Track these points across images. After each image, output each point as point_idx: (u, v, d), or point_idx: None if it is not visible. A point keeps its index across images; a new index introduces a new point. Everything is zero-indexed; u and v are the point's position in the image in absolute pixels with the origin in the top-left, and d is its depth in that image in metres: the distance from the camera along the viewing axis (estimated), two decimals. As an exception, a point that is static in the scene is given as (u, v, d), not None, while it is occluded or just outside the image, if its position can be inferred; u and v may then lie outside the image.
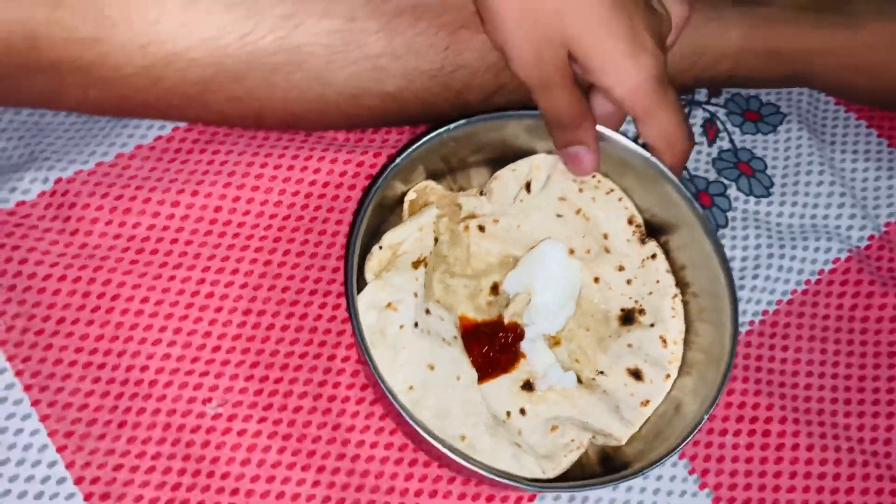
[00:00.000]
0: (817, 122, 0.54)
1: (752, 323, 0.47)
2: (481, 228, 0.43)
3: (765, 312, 0.47)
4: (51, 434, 0.39)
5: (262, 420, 0.41)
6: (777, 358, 0.46)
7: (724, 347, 0.39)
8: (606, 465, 0.41)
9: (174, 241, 0.44)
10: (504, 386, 0.41)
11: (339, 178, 0.46)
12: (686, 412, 0.40)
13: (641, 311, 0.43)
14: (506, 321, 0.42)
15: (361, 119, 0.45)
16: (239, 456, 0.40)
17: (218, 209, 0.45)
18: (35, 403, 0.40)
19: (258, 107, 0.43)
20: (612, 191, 0.43)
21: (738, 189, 0.51)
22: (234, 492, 0.39)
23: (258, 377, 0.42)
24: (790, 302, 0.47)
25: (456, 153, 0.42)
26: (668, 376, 0.42)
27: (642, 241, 0.43)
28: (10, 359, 0.40)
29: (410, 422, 0.35)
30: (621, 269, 0.43)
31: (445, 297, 0.42)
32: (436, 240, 0.41)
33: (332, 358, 0.43)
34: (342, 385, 0.42)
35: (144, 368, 0.41)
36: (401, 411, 0.35)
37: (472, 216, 0.43)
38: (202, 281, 0.43)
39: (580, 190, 0.43)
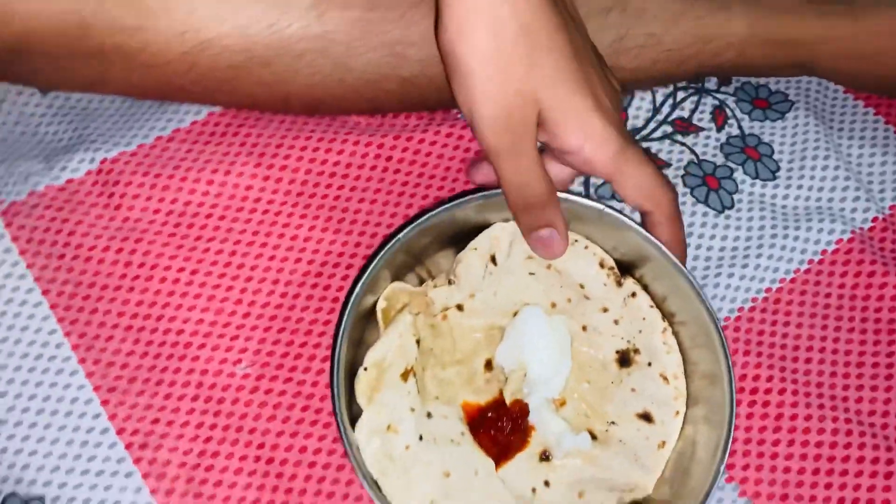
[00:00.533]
0: (825, 110, 0.56)
1: (754, 300, 0.48)
2: (459, 308, 0.43)
3: (768, 290, 0.49)
4: (95, 389, 0.43)
5: (287, 381, 0.44)
6: (779, 333, 0.48)
7: (721, 371, 0.40)
8: None
9: (208, 216, 0.47)
10: (522, 464, 0.41)
11: (360, 159, 0.50)
12: (704, 443, 0.40)
13: (636, 351, 0.43)
14: (507, 402, 0.42)
15: (380, 103, 0.48)
16: (265, 413, 0.43)
17: (249, 187, 0.48)
18: (81, 361, 0.43)
19: (285, 91, 0.46)
20: (575, 241, 0.43)
21: (745, 172, 0.53)
22: (261, 445, 0.43)
23: (284, 342, 0.45)
24: (793, 280, 0.49)
25: (416, 244, 0.42)
26: (677, 413, 0.42)
27: (619, 283, 0.43)
28: (59, 321, 0.44)
29: None
30: (606, 310, 0.43)
31: (443, 391, 0.42)
32: (418, 341, 0.42)
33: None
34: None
35: (180, 332, 0.45)
36: None
37: (446, 308, 0.43)
38: (234, 253, 0.47)
39: None
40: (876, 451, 0.44)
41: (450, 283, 0.43)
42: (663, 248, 0.41)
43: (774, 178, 0.53)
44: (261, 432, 0.43)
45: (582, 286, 0.43)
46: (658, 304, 0.43)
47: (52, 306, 0.44)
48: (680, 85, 0.55)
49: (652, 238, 0.41)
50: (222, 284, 0.46)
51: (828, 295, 0.49)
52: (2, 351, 0.43)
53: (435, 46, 0.45)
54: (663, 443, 0.42)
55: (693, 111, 0.55)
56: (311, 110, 0.49)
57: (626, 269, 0.43)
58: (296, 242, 0.47)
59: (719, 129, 0.54)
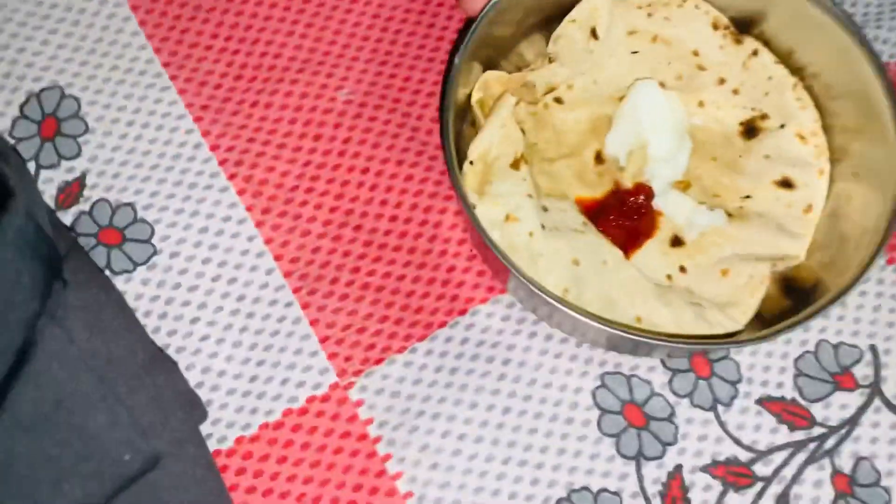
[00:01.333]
0: None
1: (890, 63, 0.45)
2: (558, 101, 0.39)
3: (906, 55, 0.45)
4: (188, 106, 0.40)
5: (391, 111, 0.41)
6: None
7: (880, 111, 0.35)
8: (792, 293, 0.37)
9: (306, -53, 0.44)
10: (653, 251, 0.38)
11: None
12: (861, 199, 0.36)
13: (764, 117, 0.39)
14: (629, 185, 0.38)
15: None
16: (370, 139, 0.40)
17: (349, -80, 0.45)
18: (173, 79, 0.40)
19: None
20: (684, 1, 0.39)
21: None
22: (364, 171, 0.40)
23: (387, 74, 0.42)
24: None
25: (502, 33, 0.38)
26: (821, 172, 0.38)
27: (737, 41, 0.39)
28: (149, 37, 0.41)
29: (580, 317, 0.32)
30: (722, 81, 0.39)
31: (554, 186, 0.38)
32: (522, 131, 0.38)
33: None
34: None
35: (277, 56, 0.41)
36: (569, 311, 0.32)
37: (551, 88, 0.39)
38: (333, -16, 0.43)
39: (649, 15, 0.39)
40: None
41: (550, 62, 0.39)
42: None
43: (912, -51, 0.48)
44: (364, 158, 0.40)
45: (696, 53, 0.39)
46: (783, 60, 0.39)
47: (141, 23, 0.41)
48: None
49: None
50: (321, 13, 0.42)
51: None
52: (88, 62, 0.40)
53: None
54: (810, 206, 0.38)
55: None
56: None
57: (743, 28, 0.39)
58: (398, -20, 0.44)
59: None
